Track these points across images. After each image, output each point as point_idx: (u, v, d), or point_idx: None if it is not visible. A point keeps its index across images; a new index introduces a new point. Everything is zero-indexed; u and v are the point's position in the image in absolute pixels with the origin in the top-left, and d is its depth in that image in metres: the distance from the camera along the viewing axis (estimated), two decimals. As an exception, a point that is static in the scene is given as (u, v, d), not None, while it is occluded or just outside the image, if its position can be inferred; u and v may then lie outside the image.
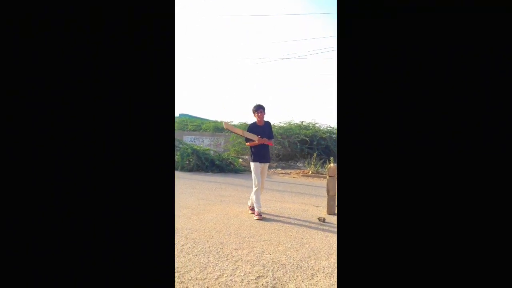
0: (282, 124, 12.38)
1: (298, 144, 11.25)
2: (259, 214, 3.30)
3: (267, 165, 3.61)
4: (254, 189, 3.46)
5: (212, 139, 13.21)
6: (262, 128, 3.56)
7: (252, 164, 3.53)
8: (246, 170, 8.59)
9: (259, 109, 3.53)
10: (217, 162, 8.40)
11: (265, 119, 3.60)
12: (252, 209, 3.52)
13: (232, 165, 8.62)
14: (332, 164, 4.09)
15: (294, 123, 12.43)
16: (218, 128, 13.90)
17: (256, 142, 3.44)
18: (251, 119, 3.68)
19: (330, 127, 12.17)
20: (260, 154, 3.51)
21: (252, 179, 3.55)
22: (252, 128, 3.55)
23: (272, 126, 3.75)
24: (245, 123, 12.00)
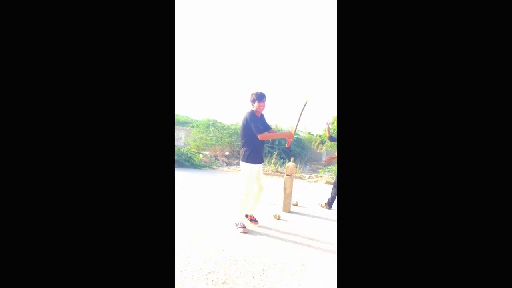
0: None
1: (259, 142, 11.36)
2: (244, 226, 2.76)
3: (261, 165, 2.93)
4: (245, 199, 2.78)
5: (172, 133, 12.78)
6: (262, 120, 2.89)
7: (246, 166, 2.75)
8: (206, 166, 8.46)
9: (263, 98, 2.79)
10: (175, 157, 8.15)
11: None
12: (252, 219, 3.04)
13: (192, 160, 8.43)
14: (290, 163, 4.18)
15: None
16: (178, 122, 13.52)
17: (291, 138, 2.82)
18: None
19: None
20: (259, 153, 2.81)
21: (243, 185, 2.78)
22: (255, 119, 2.77)
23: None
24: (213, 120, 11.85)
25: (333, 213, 3.94)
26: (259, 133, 2.72)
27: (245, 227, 2.75)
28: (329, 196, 4.28)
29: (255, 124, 2.72)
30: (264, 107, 2.82)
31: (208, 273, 1.79)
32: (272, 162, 9.01)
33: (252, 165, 2.75)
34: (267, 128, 2.89)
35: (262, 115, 2.92)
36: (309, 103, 2.61)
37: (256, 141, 2.75)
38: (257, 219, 3.10)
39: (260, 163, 2.84)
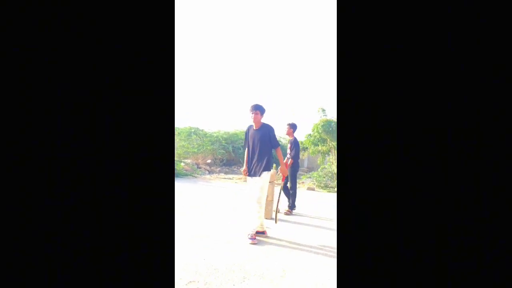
0: (227, 130, 12.42)
1: (242, 149, 11.37)
2: (255, 238, 2.76)
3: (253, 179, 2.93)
4: (261, 210, 2.82)
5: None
6: (254, 133, 2.91)
7: (267, 176, 2.83)
8: (187, 175, 8.36)
9: (252, 110, 2.85)
10: None
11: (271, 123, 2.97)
12: (259, 232, 2.91)
13: (173, 169, 8.30)
14: (272, 170, 4.22)
15: (240, 129, 12.56)
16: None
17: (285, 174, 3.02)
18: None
19: (278, 136, 12.63)
20: (249, 165, 2.92)
21: (260, 197, 2.80)
22: (247, 132, 2.99)
23: (270, 132, 2.88)
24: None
25: (312, 219, 4.00)
26: (246, 147, 2.99)
27: (255, 238, 2.75)
28: (289, 202, 4.27)
29: (245, 138, 3.02)
30: (254, 118, 2.87)
31: (188, 283, 1.78)
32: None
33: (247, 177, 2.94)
34: (258, 140, 2.88)
35: (263, 128, 2.89)
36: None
37: (249, 155, 2.94)
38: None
39: (251, 176, 2.90)
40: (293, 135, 4.36)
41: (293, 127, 4.32)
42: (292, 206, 4.22)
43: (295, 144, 4.32)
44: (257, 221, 2.82)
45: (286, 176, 2.94)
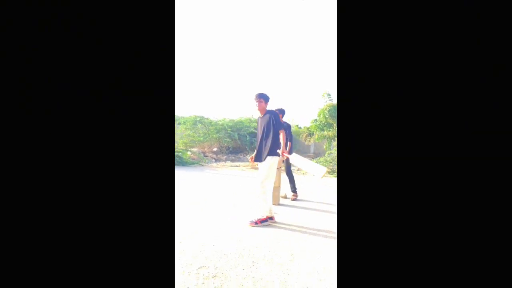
0: (232, 118, 12.40)
1: (248, 136, 11.38)
2: (258, 222, 2.83)
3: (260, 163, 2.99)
4: (266, 194, 2.87)
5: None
6: (260, 121, 3.03)
7: (271, 160, 2.87)
8: (194, 163, 8.43)
9: (256, 98, 2.96)
10: None
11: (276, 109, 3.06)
12: (269, 218, 2.91)
13: (178, 158, 8.37)
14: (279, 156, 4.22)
15: (245, 117, 12.53)
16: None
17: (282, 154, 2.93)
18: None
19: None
20: (257, 150, 2.98)
21: (262, 181, 2.86)
22: (257, 121, 3.13)
23: (273, 117, 2.92)
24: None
25: (319, 204, 4.02)
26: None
27: (258, 223, 2.82)
28: (291, 186, 4.27)
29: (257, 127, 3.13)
30: (259, 106, 2.97)
31: (198, 268, 1.82)
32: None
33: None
34: (263, 128, 2.96)
35: (268, 114, 2.96)
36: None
37: (257, 142, 3.02)
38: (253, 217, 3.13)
39: (257, 162, 2.98)
40: (282, 120, 4.31)
41: (281, 112, 4.28)
42: (293, 190, 4.24)
43: (287, 128, 4.29)
44: (264, 206, 2.85)
45: (287, 157, 2.95)
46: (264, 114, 2.98)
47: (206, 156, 10.20)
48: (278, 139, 2.93)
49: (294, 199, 4.17)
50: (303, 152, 12.76)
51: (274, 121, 2.91)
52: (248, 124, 12.06)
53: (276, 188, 3.84)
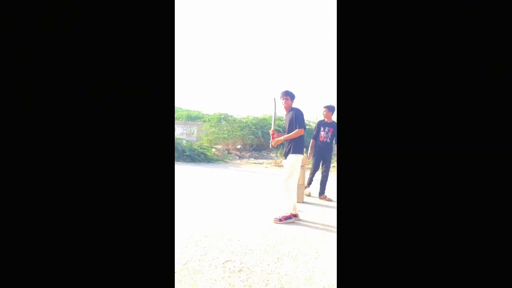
0: (256, 115, 12.45)
1: (271, 134, 11.36)
2: (282, 220, 2.83)
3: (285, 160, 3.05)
4: (289, 191, 2.87)
5: (184, 128, 12.99)
6: (286, 119, 3.08)
7: (294, 158, 2.89)
8: (218, 160, 8.57)
9: (282, 96, 3.00)
10: (187, 153, 8.22)
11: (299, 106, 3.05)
12: (291, 216, 2.89)
13: (203, 155, 8.55)
14: (303, 154, 4.20)
15: (269, 114, 12.53)
16: (190, 117, 13.69)
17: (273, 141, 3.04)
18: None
19: (307, 120, 12.51)
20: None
21: (286, 179, 2.89)
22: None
23: (295, 114, 2.93)
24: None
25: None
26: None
27: (282, 220, 2.82)
28: (319, 187, 4.21)
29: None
30: (285, 104, 2.99)
31: (225, 262, 1.86)
32: (278, 154, 9.04)
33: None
34: (289, 124, 2.99)
35: (291, 111, 2.99)
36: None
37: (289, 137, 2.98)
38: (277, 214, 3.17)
39: (284, 158, 3.02)
40: (331, 119, 4.17)
41: (331, 109, 4.11)
42: (321, 192, 4.17)
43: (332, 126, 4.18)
44: (287, 203, 2.85)
45: (276, 142, 3.02)
46: (289, 112, 3.00)
47: (230, 153, 10.33)
48: (302, 137, 2.92)
49: (324, 199, 4.10)
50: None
51: (295, 119, 2.90)
52: (271, 121, 12.05)
53: (300, 186, 3.82)
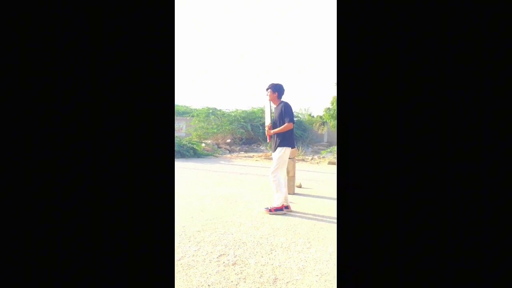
0: (244, 108, 12.42)
1: (261, 127, 11.38)
2: (272, 210, 2.91)
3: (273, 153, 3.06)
4: (277, 184, 2.93)
5: (172, 124, 12.85)
6: (274, 112, 3.09)
7: (282, 151, 2.93)
8: (208, 155, 8.54)
9: (267, 89, 3.05)
10: (176, 149, 8.15)
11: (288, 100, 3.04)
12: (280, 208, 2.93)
13: (193, 150, 8.49)
14: (293, 147, 4.23)
15: (258, 107, 12.52)
16: (178, 112, 13.53)
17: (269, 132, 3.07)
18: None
19: (295, 111, 12.54)
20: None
21: (273, 171, 2.96)
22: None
23: (283, 108, 2.94)
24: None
25: (334, 192, 4.02)
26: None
27: (272, 211, 2.90)
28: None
29: None
30: (270, 97, 3.04)
31: (219, 256, 1.88)
32: (268, 147, 9.08)
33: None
34: (275, 117, 3.03)
35: (279, 104, 3.01)
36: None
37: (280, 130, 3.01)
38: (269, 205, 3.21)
39: (273, 151, 3.07)
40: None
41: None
42: None
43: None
44: (277, 195, 2.90)
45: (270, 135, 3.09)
46: (278, 105, 3.04)
47: (220, 148, 10.30)
48: (291, 130, 2.96)
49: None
50: (316, 141, 12.68)
51: (283, 112, 2.93)
52: (260, 115, 12.03)
53: (291, 178, 3.87)
